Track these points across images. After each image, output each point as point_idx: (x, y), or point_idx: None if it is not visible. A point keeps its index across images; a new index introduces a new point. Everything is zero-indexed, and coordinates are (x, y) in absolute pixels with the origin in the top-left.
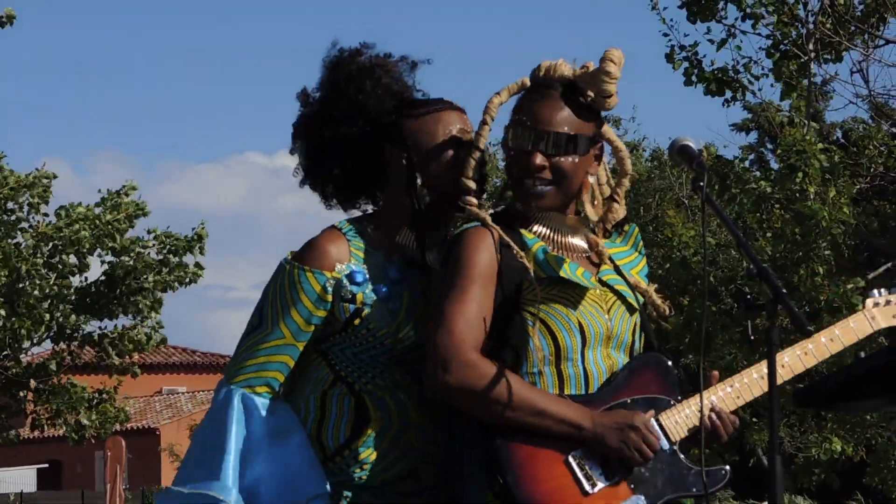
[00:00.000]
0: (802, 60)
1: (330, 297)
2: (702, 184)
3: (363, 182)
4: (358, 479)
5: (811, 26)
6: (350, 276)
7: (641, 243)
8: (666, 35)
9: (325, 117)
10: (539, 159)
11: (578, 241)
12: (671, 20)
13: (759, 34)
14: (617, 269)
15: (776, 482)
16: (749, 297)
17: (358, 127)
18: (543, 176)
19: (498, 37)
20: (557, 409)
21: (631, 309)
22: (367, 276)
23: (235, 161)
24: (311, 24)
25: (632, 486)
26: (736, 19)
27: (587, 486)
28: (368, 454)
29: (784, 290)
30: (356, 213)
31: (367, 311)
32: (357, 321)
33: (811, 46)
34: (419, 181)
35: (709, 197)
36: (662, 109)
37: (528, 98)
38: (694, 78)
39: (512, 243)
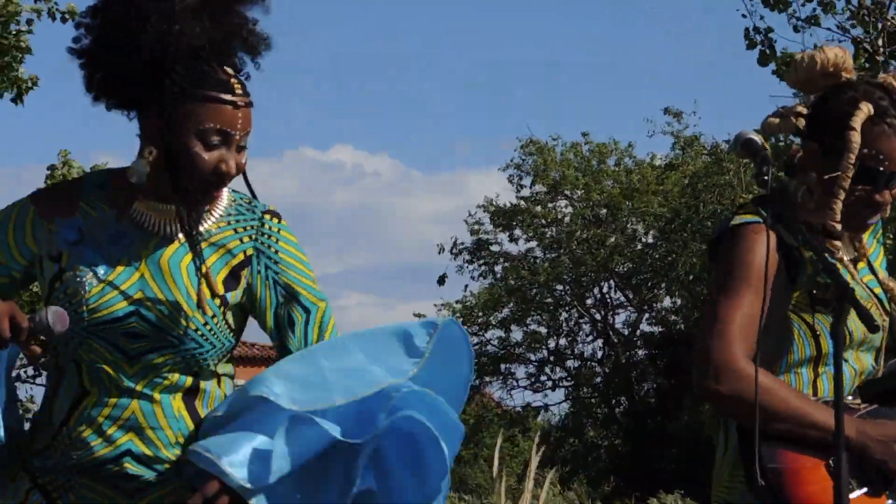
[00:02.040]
0: (871, 54)
1: (37, 250)
2: (766, 178)
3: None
4: (75, 460)
5: (882, 22)
6: (62, 233)
7: (881, 231)
8: (745, 16)
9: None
10: (888, 197)
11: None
12: (751, 2)
13: (828, 29)
14: (871, 267)
15: (841, 480)
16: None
17: (133, 60)
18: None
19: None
20: (824, 419)
21: (883, 309)
22: (84, 235)
23: (289, 156)
24: (361, 19)
25: (890, 500)
26: (813, 10)
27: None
28: (83, 431)
29: (849, 286)
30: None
31: (68, 274)
32: (58, 283)
33: (881, 42)
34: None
35: (773, 191)
36: (722, 104)
37: (878, 128)
38: (767, 52)
39: (797, 245)
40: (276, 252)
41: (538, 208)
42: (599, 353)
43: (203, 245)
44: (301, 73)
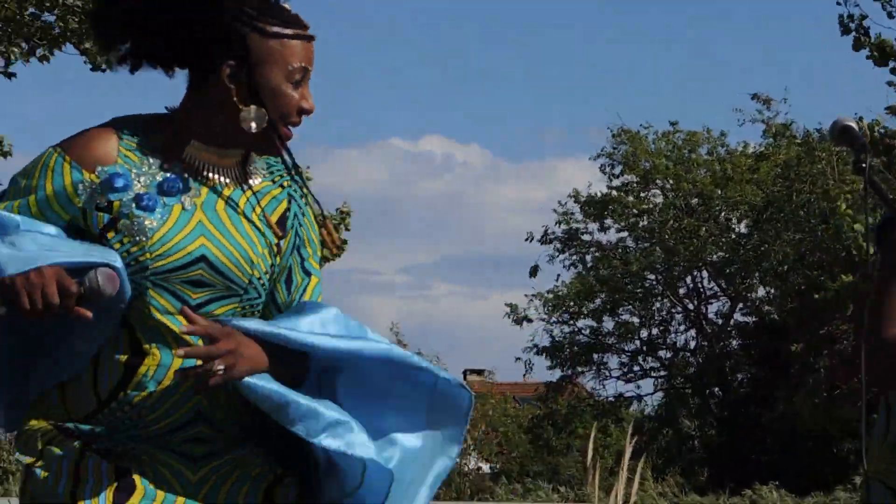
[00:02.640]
0: None
1: (80, 203)
2: (864, 165)
3: (159, 53)
4: (133, 429)
5: None
6: (108, 181)
7: None
8: (839, 3)
9: None
10: None
11: None
12: None
13: None
14: None
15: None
16: None
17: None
18: None
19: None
20: None
21: None
22: (131, 181)
23: (378, 146)
24: (449, 10)
25: None
26: None
27: None
28: (146, 395)
29: None
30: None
31: (122, 222)
32: (111, 233)
33: None
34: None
35: (872, 179)
36: (813, 92)
37: None
38: (862, 38)
39: None
40: (306, 205)
41: (629, 198)
42: (692, 344)
43: (247, 192)
44: (390, 64)
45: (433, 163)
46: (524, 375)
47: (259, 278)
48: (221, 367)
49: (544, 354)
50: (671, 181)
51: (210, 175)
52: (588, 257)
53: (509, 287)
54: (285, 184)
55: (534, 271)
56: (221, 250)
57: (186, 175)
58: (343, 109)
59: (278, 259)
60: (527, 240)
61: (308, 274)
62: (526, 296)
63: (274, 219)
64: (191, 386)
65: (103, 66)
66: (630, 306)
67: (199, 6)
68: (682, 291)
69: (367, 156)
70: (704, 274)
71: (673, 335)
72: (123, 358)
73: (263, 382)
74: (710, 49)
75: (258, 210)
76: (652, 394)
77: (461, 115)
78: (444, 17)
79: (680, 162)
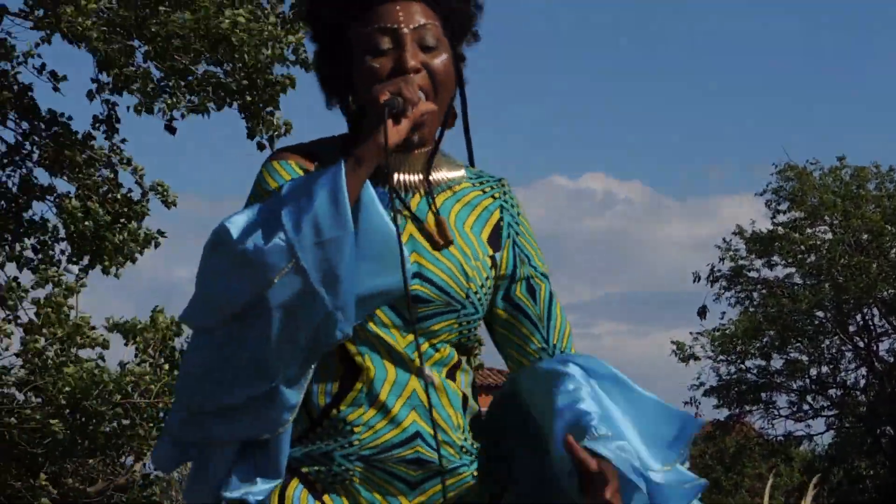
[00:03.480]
0: None
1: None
2: None
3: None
4: (347, 447)
5: None
6: None
7: None
8: None
9: None
10: None
11: None
12: None
13: None
14: None
15: None
16: None
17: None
18: None
19: None
20: None
21: None
22: None
23: (540, 184)
24: (609, 47)
25: None
26: None
27: None
28: (363, 413)
29: None
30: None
31: None
32: None
33: None
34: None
35: None
36: None
37: None
38: None
39: None
40: (518, 214)
41: (795, 234)
42: (863, 382)
43: (457, 205)
44: (551, 102)
45: (595, 199)
46: (694, 416)
47: (476, 292)
48: None
49: (712, 395)
50: (839, 217)
51: (413, 190)
52: (755, 294)
53: (673, 325)
54: (496, 195)
55: (703, 312)
56: (435, 265)
57: (390, 191)
58: (505, 149)
59: (493, 272)
60: (694, 280)
61: (542, 281)
62: (691, 333)
63: (487, 230)
64: (405, 403)
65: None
66: (799, 344)
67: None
68: (852, 329)
69: (528, 193)
70: (875, 311)
71: (843, 373)
72: (338, 373)
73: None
74: (876, 82)
75: (470, 222)
76: (822, 433)
77: (623, 152)
78: (603, 53)
79: (848, 197)
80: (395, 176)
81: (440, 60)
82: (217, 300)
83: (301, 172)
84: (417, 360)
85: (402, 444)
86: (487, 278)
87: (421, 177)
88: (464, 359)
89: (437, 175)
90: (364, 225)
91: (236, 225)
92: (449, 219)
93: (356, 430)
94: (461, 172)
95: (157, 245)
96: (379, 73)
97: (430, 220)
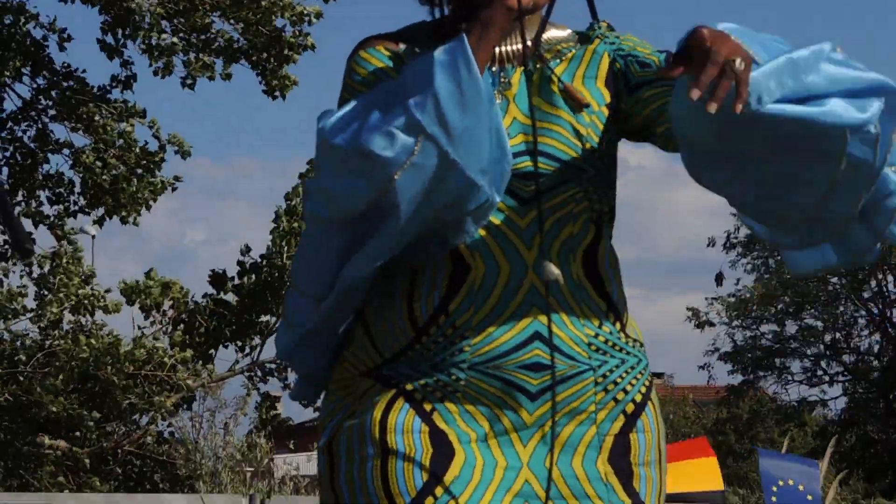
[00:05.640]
0: None
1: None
2: None
3: None
4: (457, 355)
5: None
6: None
7: None
8: None
9: None
10: None
11: None
12: None
13: None
14: None
15: None
16: None
17: None
18: None
19: None
20: None
21: None
22: None
23: None
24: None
25: None
26: None
27: None
28: (471, 316)
29: None
30: None
31: None
32: None
33: None
34: None
35: None
36: None
37: None
38: None
39: None
40: (627, 43)
41: None
42: (877, 347)
43: (563, 63)
44: None
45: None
46: (708, 382)
47: (593, 152)
48: (741, 65)
49: (727, 360)
50: None
51: (513, 62)
52: (770, 261)
53: (687, 290)
54: (598, 38)
55: (719, 279)
56: (546, 135)
57: (492, 68)
58: None
59: (615, 120)
60: (709, 245)
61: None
62: (706, 299)
63: (601, 76)
64: (523, 301)
65: (275, 94)
66: (813, 310)
67: None
68: (866, 295)
69: None
70: (889, 278)
71: (857, 339)
72: (446, 275)
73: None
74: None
75: (580, 73)
76: (835, 399)
77: None
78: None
79: None
80: (502, 46)
81: None
82: (337, 198)
83: (389, 55)
84: (538, 242)
85: (518, 348)
86: (605, 131)
87: (528, 43)
88: (607, 242)
89: (547, 36)
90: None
91: (343, 120)
92: (553, 81)
93: (466, 335)
94: (567, 32)
95: (174, 189)
96: None
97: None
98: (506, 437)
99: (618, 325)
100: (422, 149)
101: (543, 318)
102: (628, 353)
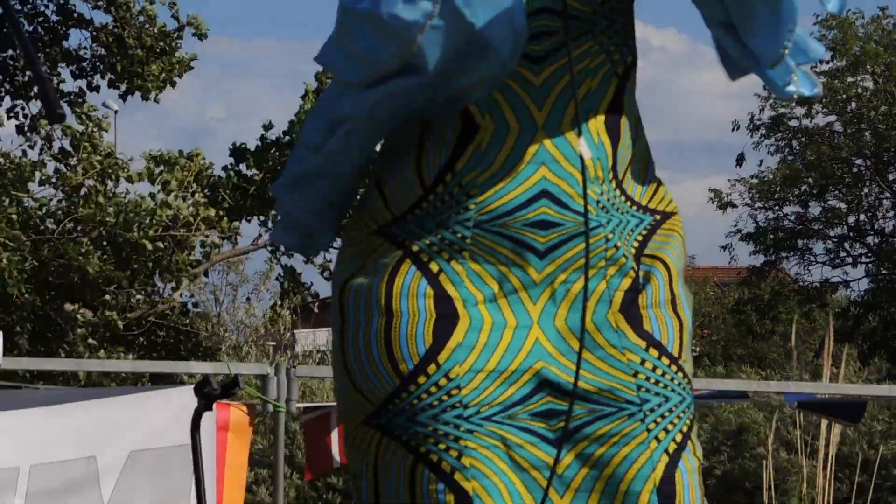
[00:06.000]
0: None
1: None
2: None
3: None
4: (463, 213)
5: None
6: None
7: None
8: None
9: None
10: None
11: None
12: None
13: None
14: None
15: None
16: None
17: None
18: None
19: None
20: None
21: None
22: None
23: None
24: None
25: None
26: None
27: None
28: (477, 175)
29: None
30: None
31: None
32: None
33: None
34: None
35: None
36: None
37: None
38: None
39: None
40: None
41: (836, 83)
42: None
43: None
44: None
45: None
46: (729, 263)
47: (603, 3)
48: None
49: (748, 241)
50: (881, 66)
51: None
52: (794, 143)
53: (709, 173)
54: None
55: (740, 160)
56: None
57: None
58: None
59: None
60: (733, 129)
61: None
62: (729, 180)
63: None
64: (532, 160)
65: None
66: (837, 192)
67: None
68: (891, 177)
69: None
70: None
71: (881, 220)
72: (455, 133)
73: None
74: None
75: None
76: (858, 280)
77: None
78: None
79: (892, 47)
80: None
81: None
82: (363, 61)
83: None
84: (552, 102)
85: (525, 205)
86: None
87: None
88: (629, 98)
89: None
90: None
91: None
92: None
93: (472, 193)
94: None
95: (191, 67)
96: None
97: None
98: (515, 296)
99: (641, 189)
100: (440, 11)
101: (550, 174)
102: (633, 215)
